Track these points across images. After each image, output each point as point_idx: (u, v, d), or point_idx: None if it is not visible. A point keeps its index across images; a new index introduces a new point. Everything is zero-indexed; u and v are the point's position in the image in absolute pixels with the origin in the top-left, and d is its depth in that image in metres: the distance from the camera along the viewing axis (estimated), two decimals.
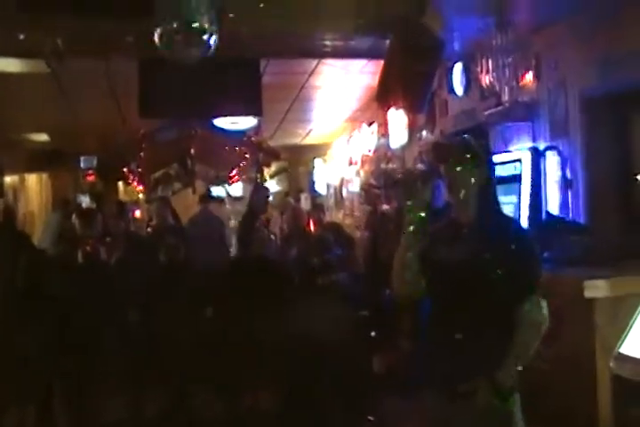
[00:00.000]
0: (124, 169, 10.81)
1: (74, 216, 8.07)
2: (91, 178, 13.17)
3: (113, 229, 6.92)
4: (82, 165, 13.11)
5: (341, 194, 12.71)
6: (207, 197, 9.30)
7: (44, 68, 7.08)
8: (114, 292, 5.72)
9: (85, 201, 12.27)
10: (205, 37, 5.10)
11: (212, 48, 5.21)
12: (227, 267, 6.55)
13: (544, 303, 2.72)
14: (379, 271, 5.81)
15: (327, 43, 7.09)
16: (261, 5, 5.52)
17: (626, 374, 3.21)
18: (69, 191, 12.84)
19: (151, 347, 5.44)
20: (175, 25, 5.00)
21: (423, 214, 2.80)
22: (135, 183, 10.90)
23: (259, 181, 11.14)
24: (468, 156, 2.80)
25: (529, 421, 2.83)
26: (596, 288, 3.80)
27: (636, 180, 5.32)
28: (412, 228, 2.80)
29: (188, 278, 5.80)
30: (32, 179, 13.71)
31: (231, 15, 5.55)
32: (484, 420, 2.61)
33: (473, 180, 2.79)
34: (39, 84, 7.88)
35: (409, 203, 2.83)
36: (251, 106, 7.85)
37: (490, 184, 2.88)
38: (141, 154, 10.31)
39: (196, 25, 4.99)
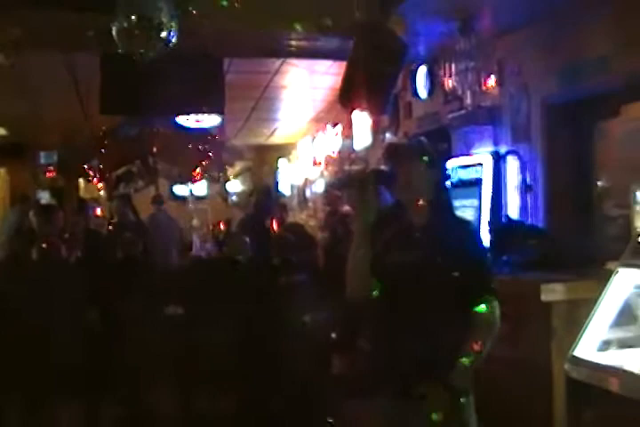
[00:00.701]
0: (85, 166, 10.68)
1: (32, 212, 7.96)
2: (50, 174, 12.94)
3: (73, 226, 6.81)
4: (42, 160, 12.90)
5: (305, 195, 12.71)
6: (159, 199, 9.23)
7: (1, 59, 6.93)
8: (72, 290, 5.63)
9: (45, 197, 12.07)
10: (165, 33, 5.04)
11: (173, 44, 5.15)
12: (187, 266, 6.50)
13: (496, 305, 2.74)
14: (338, 273, 5.81)
15: (292, 42, 7.08)
16: (224, 3, 5.48)
17: (580, 376, 3.26)
18: (28, 187, 12.62)
19: (111, 346, 5.35)
20: (133, 20, 4.93)
21: (372, 213, 2.79)
22: (96, 180, 10.77)
23: (221, 179, 11.11)
24: (422, 157, 2.80)
25: (484, 422, 2.85)
26: (553, 292, 3.84)
27: (597, 186, 5.40)
28: (362, 226, 2.80)
29: (146, 275, 5.73)
30: None
31: (194, 11, 5.51)
32: (438, 423, 2.62)
33: (426, 181, 2.80)
34: None
35: (359, 202, 2.83)
36: (213, 104, 7.81)
37: (443, 186, 2.89)
38: (103, 151, 10.19)
39: (155, 20, 4.92)
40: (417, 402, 2.64)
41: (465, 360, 2.65)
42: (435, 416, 2.61)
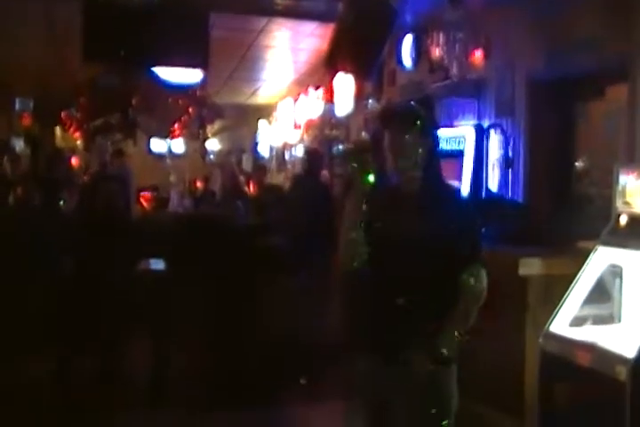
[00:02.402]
0: (62, 114, 10.48)
1: (5, 158, 7.89)
2: (26, 121, 12.71)
3: (48, 174, 6.74)
4: (17, 106, 12.64)
5: (284, 157, 12.63)
6: (121, 151, 9.12)
7: None
8: (45, 237, 5.60)
9: (19, 145, 11.87)
10: None
11: None
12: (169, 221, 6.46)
13: (484, 273, 2.76)
14: (315, 235, 5.85)
15: (280, 1, 7.01)
16: None
17: (554, 350, 3.34)
18: (3, 133, 12.36)
19: (83, 298, 5.32)
20: None
21: (371, 183, 2.78)
22: (73, 130, 10.58)
23: (200, 136, 11.01)
24: (416, 122, 2.78)
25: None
26: (531, 266, 3.90)
27: (575, 166, 5.47)
28: (359, 199, 2.79)
29: (126, 227, 5.69)
30: None
31: None
32: (421, 388, 2.66)
33: (419, 147, 2.76)
34: None
35: (357, 173, 2.81)
36: (197, 58, 7.68)
37: (434, 153, 2.87)
38: (81, 100, 10.01)
39: None
40: (402, 368, 2.69)
41: (452, 327, 2.69)
42: (418, 382, 2.65)
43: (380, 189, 2.85)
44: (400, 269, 2.73)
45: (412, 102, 3.01)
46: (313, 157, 6.64)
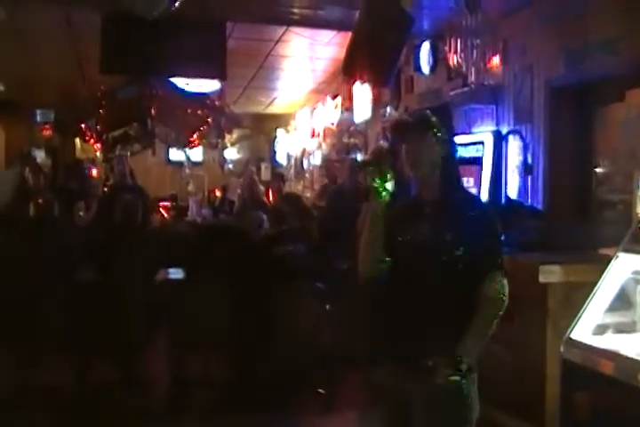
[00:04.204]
0: (82, 125, 10.55)
1: (27, 170, 7.97)
2: (47, 132, 12.86)
3: (68, 185, 6.79)
4: (38, 118, 12.79)
5: (302, 165, 12.67)
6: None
7: None
8: (66, 247, 5.64)
9: (40, 156, 11.99)
10: None
11: (177, 5, 5.11)
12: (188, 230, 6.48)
13: (505, 281, 2.73)
14: (334, 244, 5.83)
15: (296, 10, 7.02)
16: None
17: (575, 358, 3.29)
18: (24, 144, 12.50)
19: (103, 306, 5.34)
20: None
21: (389, 194, 2.77)
22: (93, 141, 10.66)
23: (219, 146, 11.04)
24: (429, 131, 2.76)
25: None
26: (551, 273, 3.86)
27: (595, 172, 5.42)
28: (378, 208, 2.78)
29: (145, 237, 5.71)
30: None
31: None
32: (441, 396, 2.63)
33: (434, 156, 2.76)
34: None
35: (377, 183, 2.80)
36: (215, 69, 7.75)
37: (452, 161, 2.86)
38: (101, 111, 10.08)
39: None
40: (422, 375, 2.66)
41: (473, 335, 2.65)
42: (438, 391, 2.62)
43: (399, 197, 2.84)
44: (420, 277, 2.71)
45: (427, 111, 2.99)
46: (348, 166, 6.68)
